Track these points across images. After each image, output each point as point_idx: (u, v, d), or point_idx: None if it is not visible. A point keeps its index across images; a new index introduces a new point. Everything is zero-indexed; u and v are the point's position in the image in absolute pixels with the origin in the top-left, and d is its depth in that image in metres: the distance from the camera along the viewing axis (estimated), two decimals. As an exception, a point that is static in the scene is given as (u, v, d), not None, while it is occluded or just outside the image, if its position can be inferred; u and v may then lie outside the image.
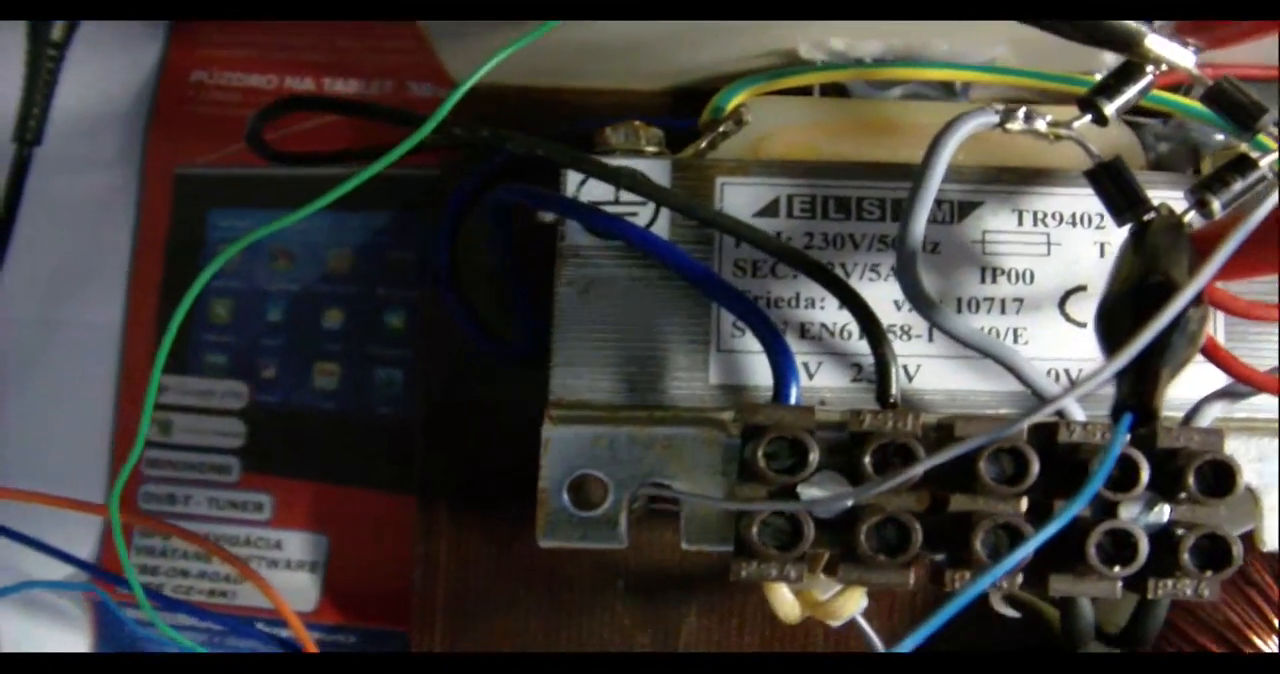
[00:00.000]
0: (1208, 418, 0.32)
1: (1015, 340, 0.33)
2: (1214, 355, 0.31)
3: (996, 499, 0.30)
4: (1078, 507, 0.26)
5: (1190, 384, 0.31)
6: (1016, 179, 0.34)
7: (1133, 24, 0.31)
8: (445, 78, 0.45)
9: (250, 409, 0.46)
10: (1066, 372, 0.33)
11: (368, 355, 0.46)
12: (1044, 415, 0.28)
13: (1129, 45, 0.31)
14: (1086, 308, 0.33)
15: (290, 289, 0.46)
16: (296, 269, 0.47)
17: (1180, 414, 0.32)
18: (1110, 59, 0.35)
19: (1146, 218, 0.30)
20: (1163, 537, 0.30)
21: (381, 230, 0.46)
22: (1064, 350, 0.33)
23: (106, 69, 0.47)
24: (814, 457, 0.30)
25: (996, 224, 0.34)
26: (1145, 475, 0.29)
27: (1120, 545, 0.30)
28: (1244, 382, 0.31)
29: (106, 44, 0.46)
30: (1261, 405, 0.32)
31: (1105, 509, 0.30)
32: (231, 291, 0.46)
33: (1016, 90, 0.37)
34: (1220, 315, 0.33)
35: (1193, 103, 0.35)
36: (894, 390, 0.32)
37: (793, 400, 0.32)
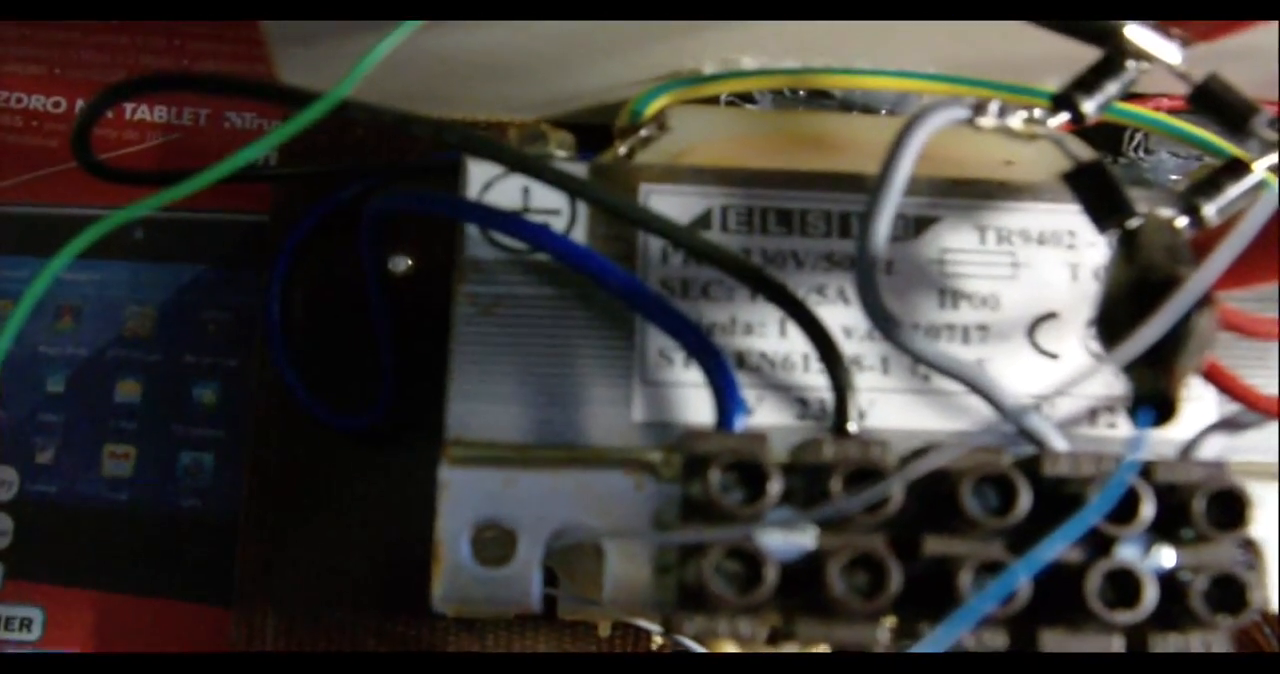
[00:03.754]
0: (1206, 455, 0.34)
1: (979, 373, 0.35)
2: (1214, 377, 0.33)
3: (978, 540, 0.31)
4: (1090, 516, 0.28)
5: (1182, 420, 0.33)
6: (976, 192, 0.36)
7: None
8: (272, 110, 0.47)
9: (19, 501, 0.45)
10: (1038, 407, 0.35)
11: (171, 436, 0.46)
12: (1028, 427, 0.30)
13: (1106, 36, 0.34)
14: (1058, 337, 0.36)
15: (76, 354, 0.46)
16: (84, 330, 0.46)
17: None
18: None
19: (1132, 224, 0.32)
20: (1166, 585, 0.31)
21: (192, 286, 0.46)
22: (1034, 384, 0.35)
23: None
24: (774, 485, 0.30)
25: (957, 242, 0.36)
26: (1149, 507, 0.31)
27: (1121, 589, 0.31)
28: (1248, 404, 0.33)
29: None
30: (1259, 445, 0.35)
31: (1100, 548, 0.31)
32: (-2, 355, 0.46)
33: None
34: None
35: (1169, 119, 0.39)
36: (853, 419, 0.33)
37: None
